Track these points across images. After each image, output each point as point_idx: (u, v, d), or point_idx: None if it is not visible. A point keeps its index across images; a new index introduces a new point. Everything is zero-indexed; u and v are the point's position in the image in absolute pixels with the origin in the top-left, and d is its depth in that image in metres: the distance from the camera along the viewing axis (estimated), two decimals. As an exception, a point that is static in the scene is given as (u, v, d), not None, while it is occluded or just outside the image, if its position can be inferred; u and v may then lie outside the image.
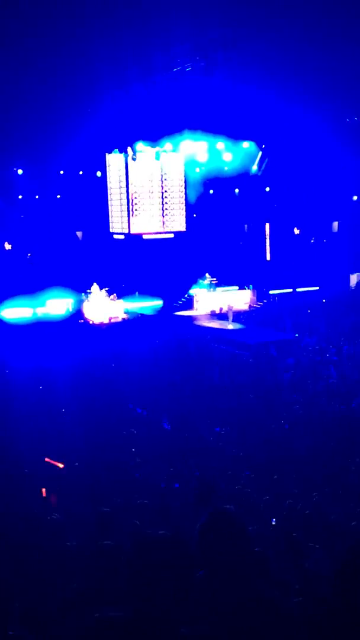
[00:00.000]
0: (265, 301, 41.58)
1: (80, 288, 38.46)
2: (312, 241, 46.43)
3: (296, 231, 46.41)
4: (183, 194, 41.18)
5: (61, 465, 13.55)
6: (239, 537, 3.29)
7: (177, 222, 41.25)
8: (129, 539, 5.09)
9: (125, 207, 40.13)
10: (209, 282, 40.50)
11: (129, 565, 3.30)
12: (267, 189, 44.55)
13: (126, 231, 40.38)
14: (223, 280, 41.36)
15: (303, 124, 35.52)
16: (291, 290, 42.64)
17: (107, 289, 38.51)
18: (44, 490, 10.97)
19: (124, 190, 40.07)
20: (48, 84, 31.64)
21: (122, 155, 39.78)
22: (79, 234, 45.78)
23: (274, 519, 10.94)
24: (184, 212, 41.32)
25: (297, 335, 31.55)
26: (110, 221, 41.81)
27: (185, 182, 41.21)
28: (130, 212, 39.95)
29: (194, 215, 43.24)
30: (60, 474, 13.34)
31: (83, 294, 38.38)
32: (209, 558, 3.26)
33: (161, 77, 31.63)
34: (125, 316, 38.00)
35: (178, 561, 3.26)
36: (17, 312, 36.92)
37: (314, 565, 8.73)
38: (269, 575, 5.85)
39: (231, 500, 11.81)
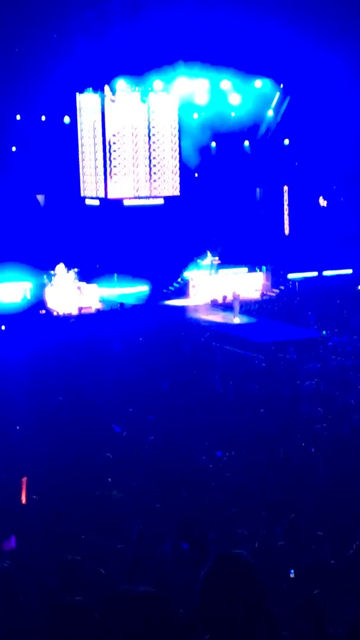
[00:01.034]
0: (282, 288, 41.61)
1: (42, 268, 38.40)
2: (341, 211, 46.46)
3: (322, 202, 46.43)
4: (177, 148, 41.18)
5: (24, 500, 13.57)
6: (254, 593, 3.29)
7: (169, 184, 41.26)
8: (98, 595, 5.06)
9: (100, 164, 40.10)
10: (209, 263, 40.52)
11: (97, 631, 3.29)
12: (286, 141, 44.55)
13: (102, 195, 40.38)
14: (228, 260, 41.37)
15: (333, 60, 35.51)
16: (316, 273, 42.67)
17: (76, 270, 38.47)
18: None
19: (99, 141, 40.04)
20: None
21: (97, 96, 39.71)
22: (40, 198, 45.71)
23: (292, 571, 10.94)
24: (177, 172, 41.34)
25: (323, 332, 31.56)
26: (81, 182, 41.79)
27: (179, 132, 41.19)
28: (108, 171, 39.91)
29: (196, 175, 43.21)
30: (13, 509, 13.31)
31: (45, 276, 38.33)
32: (212, 620, 3.26)
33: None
34: (100, 306, 37.98)
35: (161, 628, 3.24)
36: None
37: (339, 631, 8.73)
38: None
39: (235, 546, 11.80)
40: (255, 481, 16.06)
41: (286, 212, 46.96)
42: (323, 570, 11.16)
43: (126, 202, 40.43)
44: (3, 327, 32.44)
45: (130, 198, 40.47)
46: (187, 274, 40.98)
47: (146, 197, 40.83)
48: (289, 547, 12.08)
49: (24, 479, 13.89)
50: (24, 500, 13.51)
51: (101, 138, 39.78)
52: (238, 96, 40.52)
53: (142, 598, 3.29)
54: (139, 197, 40.69)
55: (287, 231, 46.90)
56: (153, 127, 40.40)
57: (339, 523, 13.82)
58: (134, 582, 9.20)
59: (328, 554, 12.00)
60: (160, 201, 41.13)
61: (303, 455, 17.49)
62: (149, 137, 40.45)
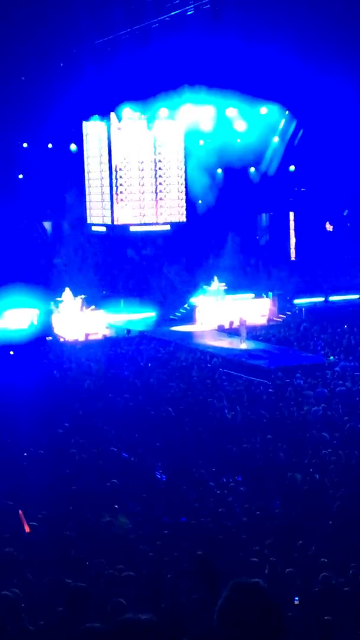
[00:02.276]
0: (288, 313, 41.58)
1: (49, 295, 38.46)
2: (348, 236, 46.50)
3: (329, 227, 46.50)
4: (182, 175, 41.31)
5: (27, 529, 13.52)
6: (273, 622, 3.26)
7: (175, 210, 41.36)
8: (104, 622, 5.02)
9: (107, 191, 40.22)
10: (216, 289, 40.52)
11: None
12: (292, 168, 44.67)
13: (108, 222, 40.49)
14: (234, 286, 41.38)
15: (340, 86, 35.64)
16: (323, 299, 42.64)
17: (83, 296, 38.52)
18: None
19: (105, 168, 40.19)
20: (6, 30, 31.95)
21: (103, 123, 39.89)
22: (46, 225, 45.88)
23: (296, 598, 10.86)
24: (183, 198, 41.46)
25: (330, 357, 31.50)
26: (87, 209, 41.92)
27: (185, 158, 41.34)
28: (114, 198, 40.03)
29: (199, 202, 43.33)
30: (20, 536, 13.27)
31: (52, 302, 38.38)
32: None
33: (155, 23, 31.74)
34: (107, 332, 37.97)
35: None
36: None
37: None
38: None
39: (244, 572, 11.71)
40: (262, 507, 15.97)
41: (292, 238, 47.01)
42: (333, 597, 11.07)
43: (132, 229, 40.51)
44: (12, 352, 32.48)
45: (136, 225, 40.55)
46: (194, 299, 41.00)
47: (152, 224, 40.91)
48: (296, 573, 11.99)
49: (20, 512, 13.86)
50: (26, 530, 13.46)
51: (107, 165, 39.93)
52: (244, 123, 40.69)
53: (146, 626, 3.26)
54: (145, 224, 40.77)
55: (293, 256, 46.93)
56: (159, 153, 40.55)
57: (349, 549, 13.74)
58: (140, 609, 9.13)
59: (338, 581, 11.91)
60: (167, 227, 41.21)
61: (311, 481, 17.40)
62: (155, 164, 40.59)
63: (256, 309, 40.66)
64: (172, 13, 31.25)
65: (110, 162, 39.83)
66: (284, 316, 41.26)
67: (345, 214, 46.42)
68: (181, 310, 41.88)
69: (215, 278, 40.73)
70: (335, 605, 10.64)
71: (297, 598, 10.95)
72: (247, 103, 38.41)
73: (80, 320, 37.73)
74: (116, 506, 15.57)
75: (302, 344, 34.78)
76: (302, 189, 45.62)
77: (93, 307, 38.48)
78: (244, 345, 34.47)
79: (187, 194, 41.58)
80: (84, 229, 42.32)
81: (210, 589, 4.59)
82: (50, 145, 42.92)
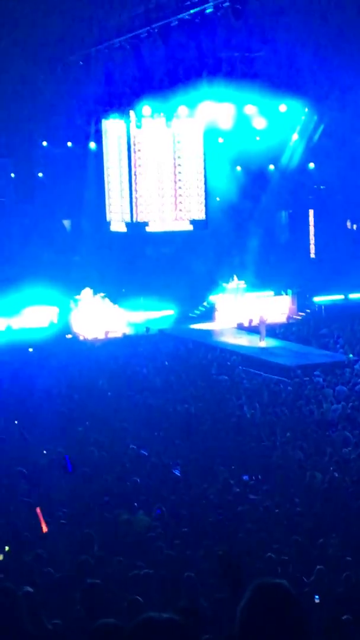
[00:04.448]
0: (308, 311, 41.48)
1: (69, 293, 38.51)
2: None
3: (350, 225, 46.33)
4: (202, 172, 41.22)
5: (45, 528, 13.53)
6: (297, 624, 3.22)
7: (194, 208, 41.28)
8: (125, 621, 4.98)
9: (126, 189, 40.20)
10: (235, 286, 40.48)
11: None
12: (311, 165, 44.51)
13: (128, 220, 40.46)
14: (254, 284, 41.32)
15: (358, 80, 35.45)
16: (342, 297, 42.50)
17: (102, 294, 38.56)
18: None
19: (125, 166, 40.16)
20: (22, 25, 31.98)
21: (122, 122, 39.86)
22: (66, 223, 45.97)
23: (317, 597, 10.80)
24: (203, 196, 41.36)
25: (350, 356, 31.40)
26: (107, 207, 41.91)
27: (204, 156, 41.26)
28: (134, 196, 40.02)
29: (217, 199, 43.27)
30: (39, 533, 13.27)
31: (72, 300, 38.44)
32: None
33: (174, 21, 31.69)
34: (126, 330, 37.99)
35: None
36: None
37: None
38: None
39: (264, 571, 11.67)
40: (282, 505, 15.92)
41: (312, 235, 46.88)
42: (354, 596, 11.00)
43: (152, 227, 40.49)
44: (31, 349, 32.58)
45: (156, 222, 40.52)
46: (213, 297, 40.97)
47: (172, 222, 40.85)
48: (317, 573, 11.92)
49: (38, 509, 13.86)
50: (44, 529, 13.46)
51: (127, 163, 39.91)
52: (263, 120, 40.55)
53: (167, 625, 3.22)
54: (165, 222, 40.72)
55: (312, 254, 46.80)
56: (178, 149, 40.50)
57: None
58: (160, 607, 9.10)
59: (358, 579, 11.84)
60: (187, 225, 41.14)
61: (331, 479, 17.33)
62: (174, 162, 40.55)
63: (276, 307, 40.58)
64: (192, 11, 31.18)
65: (130, 160, 39.80)
66: (304, 314, 41.17)
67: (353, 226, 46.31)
68: (200, 308, 41.86)
69: (235, 276, 40.69)
70: (357, 604, 10.56)
71: (317, 597, 10.90)
72: (266, 99, 38.18)
73: (99, 318, 37.76)
74: (135, 504, 15.56)
75: (322, 342, 34.69)
76: (322, 187, 45.46)
77: (102, 294, 38.46)
78: (263, 343, 34.42)
79: (206, 191, 41.51)
80: (103, 227, 42.33)
81: (233, 587, 4.55)
82: (69, 144, 42.94)
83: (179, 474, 18.37)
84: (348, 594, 11.11)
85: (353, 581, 11.50)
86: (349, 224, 46.64)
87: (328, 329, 36.76)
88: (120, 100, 37.70)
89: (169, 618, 3.24)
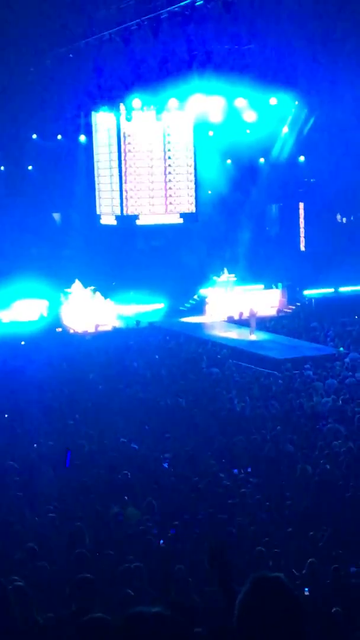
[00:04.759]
0: (298, 304, 41.51)
1: (59, 286, 38.46)
2: (358, 227, 46.33)
3: (340, 218, 46.37)
4: (192, 165, 41.21)
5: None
6: (295, 618, 3.23)
7: (185, 201, 41.26)
8: (115, 614, 4.98)
9: (116, 182, 40.15)
10: (225, 280, 40.47)
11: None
12: (302, 158, 44.51)
13: (118, 213, 40.42)
14: (244, 277, 41.32)
15: (350, 75, 35.42)
16: (332, 290, 42.54)
17: (93, 287, 38.51)
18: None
19: (115, 159, 40.10)
20: (12, 17, 31.88)
21: (112, 115, 39.78)
22: (56, 216, 45.88)
23: (306, 589, 10.83)
24: (193, 189, 41.35)
25: (340, 349, 31.43)
26: (97, 200, 41.86)
27: (194, 149, 41.22)
28: (124, 189, 39.97)
29: (209, 192, 43.25)
30: (31, 526, 13.27)
31: (62, 294, 38.38)
32: None
33: (164, 13, 31.61)
34: (117, 323, 37.96)
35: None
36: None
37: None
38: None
39: (253, 566, 11.70)
40: (272, 498, 15.94)
41: (302, 228, 46.89)
42: (343, 588, 11.04)
43: (141, 220, 40.44)
44: (23, 343, 32.57)
45: (146, 215, 40.48)
46: (204, 291, 40.96)
47: (162, 215, 40.82)
48: (307, 565, 11.96)
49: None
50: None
51: (117, 155, 39.85)
52: (253, 113, 40.51)
53: (156, 619, 3.22)
54: (155, 215, 40.69)
55: (302, 247, 46.82)
56: (169, 142, 40.46)
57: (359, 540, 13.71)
58: (151, 600, 9.11)
59: (348, 572, 11.88)
60: (177, 218, 41.12)
61: (321, 472, 17.36)
62: (165, 155, 40.50)
63: (266, 300, 40.61)
64: (182, 3, 31.10)
65: (120, 153, 39.75)
66: (294, 307, 41.20)
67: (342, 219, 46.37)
68: (191, 302, 41.84)
69: (225, 269, 40.67)
70: (346, 597, 10.60)
71: (307, 589, 10.94)
72: (257, 92, 38.12)
73: (90, 311, 37.72)
74: (126, 497, 15.56)
75: (312, 335, 34.72)
76: (312, 180, 45.46)
77: (92, 287, 38.42)
78: (253, 337, 34.42)
79: (196, 185, 41.49)
80: (93, 221, 42.27)
81: (222, 580, 4.54)
82: (59, 137, 42.85)
83: (168, 467, 18.36)
84: (338, 586, 11.15)
85: (342, 574, 11.53)
86: (339, 217, 46.66)
87: (318, 322, 36.79)
88: (111, 93, 37.59)
89: (158, 612, 3.23)
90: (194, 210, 41.37)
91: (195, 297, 41.62)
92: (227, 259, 42.07)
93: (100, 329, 37.07)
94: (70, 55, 36.43)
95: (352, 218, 46.75)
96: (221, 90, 37.88)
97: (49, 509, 14.32)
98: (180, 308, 41.22)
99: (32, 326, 36.31)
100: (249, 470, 18.33)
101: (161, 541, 13.23)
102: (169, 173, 40.57)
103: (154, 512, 14.97)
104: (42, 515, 14.08)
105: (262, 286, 41.76)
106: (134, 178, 39.96)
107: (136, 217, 40.21)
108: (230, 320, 38.69)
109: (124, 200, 39.86)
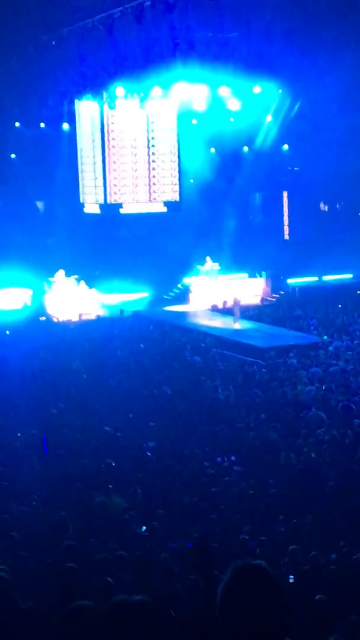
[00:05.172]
0: (282, 293, 41.57)
1: (42, 275, 38.37)
2: (342, 216, 46.43)
3: (323, 206, 46.44)
4: (176, 154, 41.13)
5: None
6: (278, 604, 3.25)
7: (168, 190, 41.19)
8: (98, 602, 4.99)
9: (100, 171, 40.04)
10: (209, 268, 40.47)
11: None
12: (285, 147, 44.51)
13: (101, 202, 40.32)
14: (228, 266, 41.34)
15: (335, 64, 35.41)
16: (316, 278, 42.63)
17: (76, 276, 38.45)
18: None
19: (98, 148, 39.99)
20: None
21: (95, 103, 39.65)
22: (39, 205, 45.71)
23: (291, 577, 10.88)
24: (177, 177, 41.28)
25: (324, 337, 31.50)
26: (80, 189, 41.72)
27: (178, 137, 41.15)
28: (107, 177, 39.87)
29: (191, 181, 43.22)
30: (13, 516, 13.26)
31: (45, 283, 38.31)
32: (236, 633, 3.20)
33: (147, 1, 31.51)
34: (100, 312, 37.92)
35: (158, 637, 3.18)
36: None
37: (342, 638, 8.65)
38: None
39: (237, 552, 11.74)
40: (255, 486, 15.99)
41: (286, 217, 46.94)
42: (326, 576, 11.09)
43: (125, 209, 40.36)
44: (8, 332, 32.52)
45: (129, 204, 40.40)
46: (187, 280, 40.95)
47: (146, 203, 40.75)
48: (289, 552, 12.01)
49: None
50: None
51: (100, 144, 39.73)
52: (237, 101, 40.45)
53: (139, 607, 3.24)
54: (139, 203, 40.62)
55: (286, 236, 46.87)
56: (152, 130, 40.37)
57: (342, 528, 13.77)
58: (135, 589, 9.13)
59: (331, 559, 11.93)
60: (161, 207, 41.06)
61: (304, 460, 17.43)
62: (148, 143, 40.42)
63: (250, 289, 40.63)
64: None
65: (103, 141, 39.63)
66: (278, 296, 41.25)
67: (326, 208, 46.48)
68: (174, 290, 41.83)
69: (209, 258, 40.66)
70: (326, 585, 10.66)
71: (292, 577, 10.99)
72: (240, 81, 38.04)
73: (73, 300, 37.67)
74: (110, 486, 15.58)
75: (296, 324, 34.78)
76: (296, 169, 45.49)
77: (76, 276, 38.35)
78: (237, 325, 34.45)
79: (180, 173, 41.43)
80: (77, 209, 42.15)
81: (203, 569, 4.57)
82: (42, 125, 42.65)
83: (152, 456, 18.39)
84: (320, 573, 11.20)
85: (323, 561, 11.59)
86: (322, 205, 46.74)
87: (302, 311, 36.87)
88: (94, 81, 37.38)
89: (141, 599, 3.25)
90: (177, 199, 41.30)
91: (179, 285, 41.60)
92: (211, 248, 42.05)
93: (84, 317, 37.03)
94: (53, 43, 36.24)
95: (337, 206, 46.86)
96: (205, 78, 37.75)
97: (33, 498, 14.32)
98: (164, 297, 41.20)
99: (15, 315, 36.24)
100: (233, 458, 18.37)
101: (143, 528, 13.26)
102: (153, 161, 40.49)
103: (138, 500, 15.00)
104: (25, 504, 14.08)
105: (246, 275, 41.82)
106: (118, 166, 39.87)
107: (120, 205, 40.11)
108: (214, 309, 38.70)
109: (108, 189, 39.77)
